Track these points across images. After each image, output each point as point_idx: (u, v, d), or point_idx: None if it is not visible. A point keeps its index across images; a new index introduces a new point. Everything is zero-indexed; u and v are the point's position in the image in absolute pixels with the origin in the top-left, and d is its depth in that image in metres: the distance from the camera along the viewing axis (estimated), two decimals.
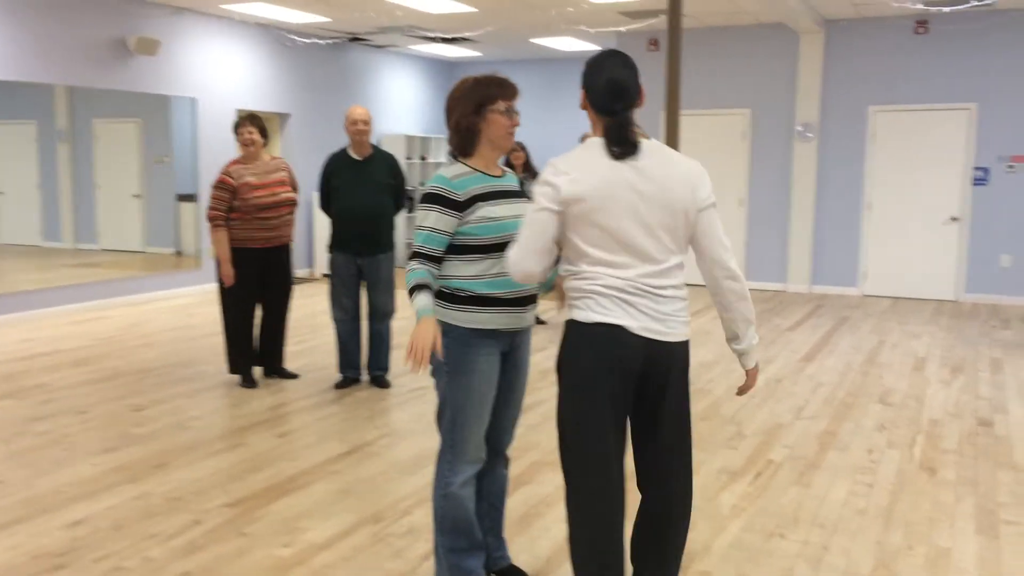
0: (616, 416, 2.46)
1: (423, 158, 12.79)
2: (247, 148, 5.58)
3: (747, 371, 2.67)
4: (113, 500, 3.88)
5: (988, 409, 5.43)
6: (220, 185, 5.48)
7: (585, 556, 2.50)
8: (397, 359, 6.48)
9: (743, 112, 10.56)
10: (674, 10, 6.37)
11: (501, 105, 2.84)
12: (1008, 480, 4.21)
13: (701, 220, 2.47)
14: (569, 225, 2.44)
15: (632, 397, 2.49)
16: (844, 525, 3.68)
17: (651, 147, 2.47)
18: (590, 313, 2.42)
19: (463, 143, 2.89)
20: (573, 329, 2.47)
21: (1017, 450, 4.65)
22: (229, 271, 5.52)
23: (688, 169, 2.47)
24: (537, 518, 3.72)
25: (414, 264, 2.79)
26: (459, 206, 2.78)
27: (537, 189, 2.46)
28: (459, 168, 2.85)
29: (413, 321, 8.18)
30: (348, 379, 5.80)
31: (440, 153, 13.23)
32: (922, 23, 9.68)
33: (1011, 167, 9.52)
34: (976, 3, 8.86)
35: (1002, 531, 3.62)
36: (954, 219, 9.77)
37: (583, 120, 13.11)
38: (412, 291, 2.76)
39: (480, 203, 2.80)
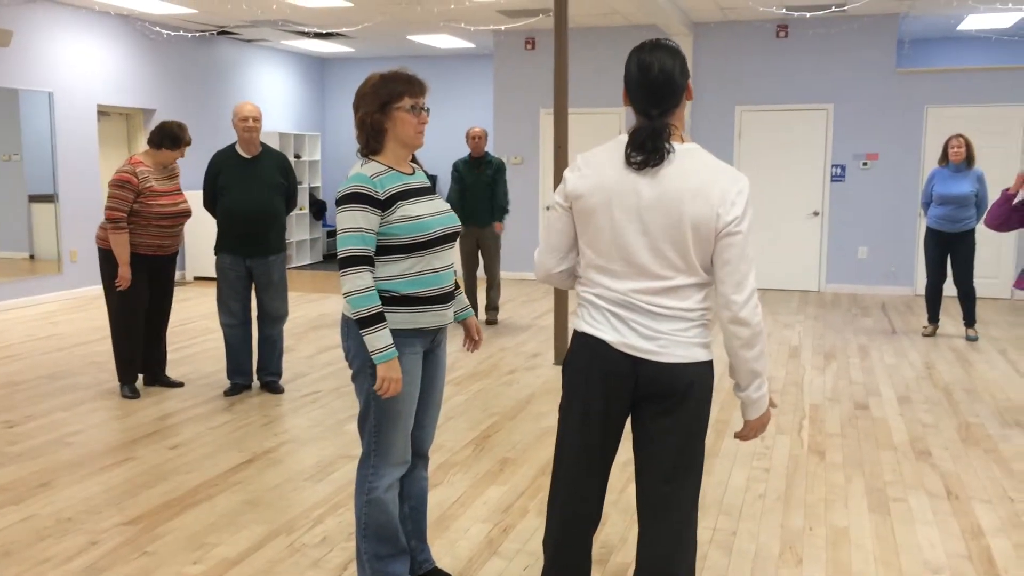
0: (592, 432, 2.34)
1: (297, 156, 12.47)
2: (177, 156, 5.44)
3: (746, 421, 2.38)
4: None
5: (863, 393, 5.77)
6: (124, 184, 5.17)
7: (546, 547, 2.49)
8: (289, 363, 6.29)
9: (618, 111, 10.80)
10: (560, 10, 6.45)
11: (407, 102, 2.79)
12: (890, 459, 4.48)
13: (719, 247, 2.19)
14: (576, 223, 2.34)
15: (622, 418, 2.36)
16: (748, 510, 3.82)
17: (683, 152, 2.22)
18: (581, 322, 2.35)
19: (370, 141, 2.84)
20: (573, 336, 2.41)
21: (894, 431, 4.95)
22: (127, 274, 5.23)
23: (714, 184, 2.17)
24: (453, 519, 3.69)
25: (359, 273, 2.67)
26: (381, 205, 2.72)
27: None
28: (376, 166, 2.79)
29: (305, 324, 7.95)
30: (238, 386, 5.59)
31: (315, 151, 12.94)
32: (783, 27, 10.17)
33: (865, 164, 10.13)
34: (833, 9, 9.37)
35: (892, 508, 3.85)
36: (815, 213, 10.32)
37: (464, 119, 13.11)
38: (369, 319, 2.65)
39: (400, 202, 2.76)
